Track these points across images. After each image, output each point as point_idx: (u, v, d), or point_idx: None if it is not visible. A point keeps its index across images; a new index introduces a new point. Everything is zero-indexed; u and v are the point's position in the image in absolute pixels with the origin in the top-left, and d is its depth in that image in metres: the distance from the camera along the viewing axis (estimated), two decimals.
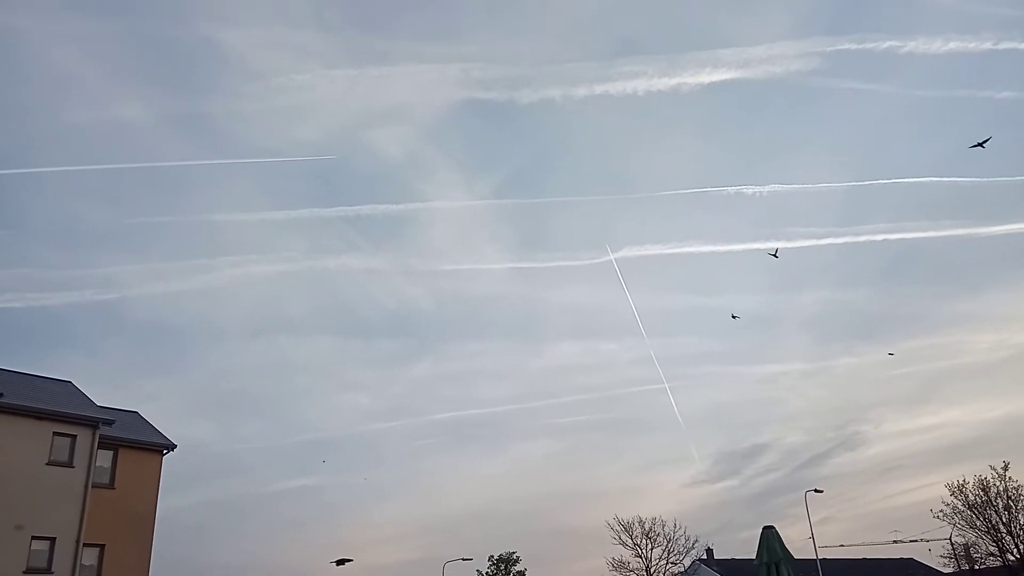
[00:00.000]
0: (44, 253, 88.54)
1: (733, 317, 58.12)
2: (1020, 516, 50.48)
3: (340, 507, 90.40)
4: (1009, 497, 50.73)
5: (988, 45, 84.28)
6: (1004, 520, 50.77)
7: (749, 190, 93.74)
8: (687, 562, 58.24)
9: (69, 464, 25.87)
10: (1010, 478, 51.00)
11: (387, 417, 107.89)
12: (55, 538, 24.88)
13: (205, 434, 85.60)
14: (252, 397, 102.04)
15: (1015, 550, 50.45)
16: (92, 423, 26.69)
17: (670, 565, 56.93)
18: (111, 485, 28.12)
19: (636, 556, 57.36)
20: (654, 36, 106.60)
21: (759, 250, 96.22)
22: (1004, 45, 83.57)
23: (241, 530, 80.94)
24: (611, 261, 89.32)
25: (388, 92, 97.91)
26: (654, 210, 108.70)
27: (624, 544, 57.87)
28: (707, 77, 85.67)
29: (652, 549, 57.23)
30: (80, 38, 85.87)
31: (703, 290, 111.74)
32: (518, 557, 60.25)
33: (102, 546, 27.03)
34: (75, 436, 26.22)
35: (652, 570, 56.53)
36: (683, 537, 57.48)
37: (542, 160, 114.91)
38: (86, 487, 25.97)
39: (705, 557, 60.80)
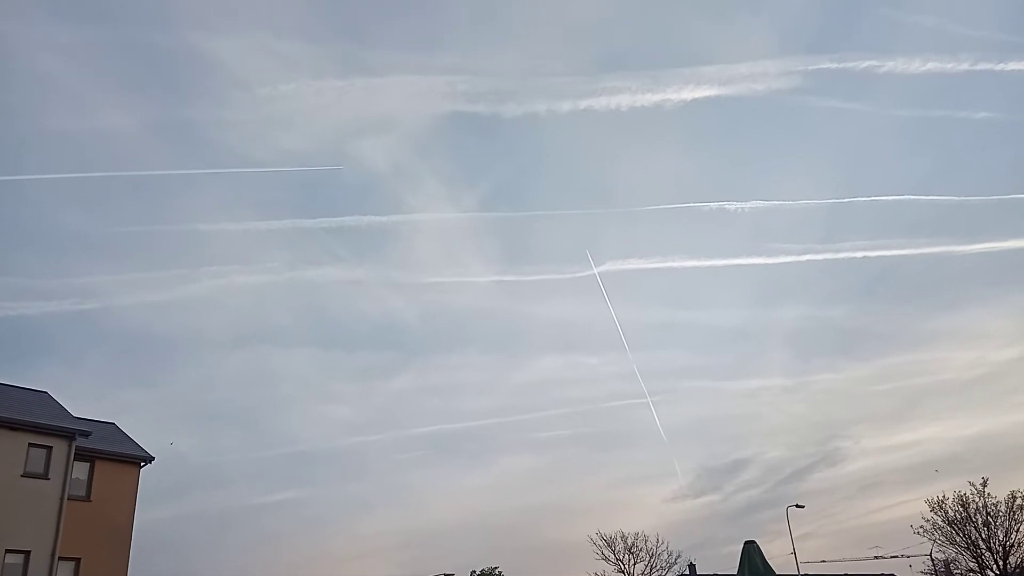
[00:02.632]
0: (23, 261, 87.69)
1: None
2: (999, 532, 50.82)
3: (322, 520, 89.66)
4: (988, 513, 51.09)
5: (965, 66, 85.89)
6: (983, 536, 51.09)
7: (731, 206, 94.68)
8: None
9: (45, 476, 25.43)
10: (989, 494, 51.46)
11: (369, 430, 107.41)
12: (29, 551, 24.42)
13: (184, 446, 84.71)
14: (233, 409, 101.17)
15: (994, 566, 50.74)
16: (68, 434, 26.27)
17: None
18: (87, 497, 27.70)
19: (618, 571, 57.38)
20: (638, 52, 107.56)
21: (742, 265, 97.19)
22: (981, 66, 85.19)
23: (222, 543, 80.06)
24: (594, 275, 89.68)
25: (374, 103, 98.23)
26: (637, 225, 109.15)
27: (606, 559, 57.90)
28: (690, 93, 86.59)
29: (635, 564, 57.29)
30: (65, 45, 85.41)
31: (686, 305, 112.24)
32: (500, 572, 60.03)
33: (78, 560, 26.58)
34: (51, 447, 25.79)
35: None
36: (665, 552, 57.66)
37: (527, 174, 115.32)
38: (62, 499, 25.52)
39: (688, 572, 60.74)
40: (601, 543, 58.19)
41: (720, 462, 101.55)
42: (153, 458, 30.29)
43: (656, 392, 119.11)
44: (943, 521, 52.49)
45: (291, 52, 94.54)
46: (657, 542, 57.75)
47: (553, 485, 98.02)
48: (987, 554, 50.96)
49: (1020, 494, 50.77)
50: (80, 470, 27.48)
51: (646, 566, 57.15)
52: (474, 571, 59.83)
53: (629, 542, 57.80)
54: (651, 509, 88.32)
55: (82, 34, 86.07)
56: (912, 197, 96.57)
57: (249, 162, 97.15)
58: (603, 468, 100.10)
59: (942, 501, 52.70)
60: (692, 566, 61.32)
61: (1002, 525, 50.77)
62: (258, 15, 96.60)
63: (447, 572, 52.41)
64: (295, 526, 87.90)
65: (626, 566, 57.25)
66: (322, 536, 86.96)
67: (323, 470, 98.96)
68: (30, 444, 25.32)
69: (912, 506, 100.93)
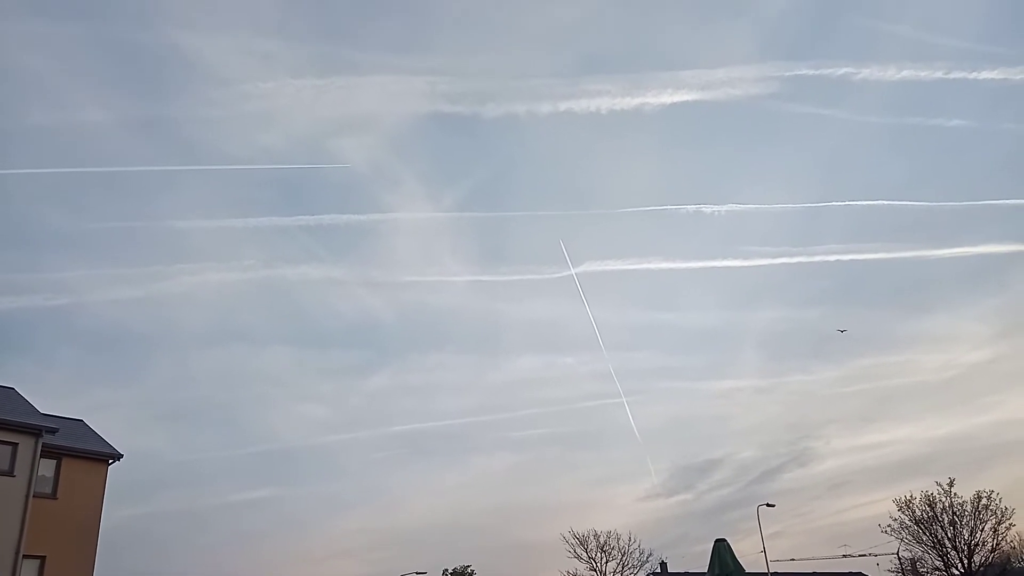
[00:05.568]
0: None
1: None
2: (964, 531, 51.68)
3: (297, 519, 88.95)
4: (954, 513, 51.95)
5: (939, 74, 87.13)
6: (949, 535, 51.93)
7: (708, 209, 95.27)
8: None
9: (10, 473, 24.98)
10: (955, 494, 52.31)
11: (345, 429, 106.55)
12: None
13: (158, 444, 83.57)
14: (208, 407, 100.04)
15: (959, 565, 51.60)
16: (35, 431, 25.84)
17: None
18: (53, 495, 27.27)
19: (591, 570, 57.58)
20: (619, 56, 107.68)
21: (718, 267, 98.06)
22: (955, 75, 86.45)
23: (194, 542, 79.07)
24: (572, 275, 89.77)
25: (354, 102, 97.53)
26: (615, 226, 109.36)
27: (579, 558, 58.07)
28: (669, 97, 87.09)
29: (607, 563, 57.51)
30: (43, 40, 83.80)
31: (662, 306, 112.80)
32: (472, 571, 60.01)
33: (43, 558, 26.16)
34: (16, 444, 25.35)
35: None
36: (637, 551, 57.95)
37: (505, 174, 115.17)
38: (27, 497, 25.10)
39: (659, 571, 61.16)
40: (574, 542, 58.44)
41: (693, 462, 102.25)
42: (121, 455, 29.88)
43: (631, 392, 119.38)
44: (910, 520, 53.33)
45: (271, 50, 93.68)
46: (629, 540, 58.09)
47: (528, 484, 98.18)
48: (952, 553, 51.81)
49: (985, 494, 51.81)
50: (46, 467, 27.03)
51: (618, 564, 57.46)
52: (447, 570, 59.80)
53: (601, 541, 58.07)
54: (624, 508, 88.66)
55: (62, 30, 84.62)
56: (886, 202, 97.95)
57: (227, 159, 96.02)
58: (577, 468, 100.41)
59: (909, 501, 53.55)
60: (663, 564, 61.76)
61: (967, 525, 51.64)
62: (238, 13, 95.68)
63: (419, 571, 52.16)
64: (269, 525, 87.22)
65: (598, 564, 57.51)
66: (296, 535, 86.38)
67: (298, 469, 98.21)
68: None
69: (880, 506, 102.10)
